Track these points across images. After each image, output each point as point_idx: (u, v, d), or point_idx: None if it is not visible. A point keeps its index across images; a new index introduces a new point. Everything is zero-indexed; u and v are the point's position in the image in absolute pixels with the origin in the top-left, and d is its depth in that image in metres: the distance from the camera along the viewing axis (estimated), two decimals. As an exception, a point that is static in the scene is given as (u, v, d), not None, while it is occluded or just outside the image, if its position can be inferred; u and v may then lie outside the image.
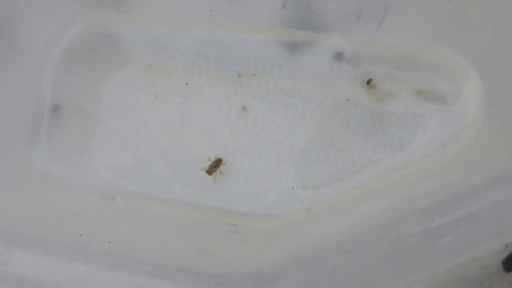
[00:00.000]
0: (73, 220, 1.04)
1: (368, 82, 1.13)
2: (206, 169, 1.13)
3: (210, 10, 1.15)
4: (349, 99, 1.13)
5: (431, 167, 1.02)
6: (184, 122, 1.18)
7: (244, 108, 1.17)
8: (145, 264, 0.89)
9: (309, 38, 1.16)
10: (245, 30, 1.17)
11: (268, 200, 1.12)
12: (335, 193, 1.08)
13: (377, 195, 1.01)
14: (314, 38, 1.15)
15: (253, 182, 1.14)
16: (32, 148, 1.19)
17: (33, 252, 0.91)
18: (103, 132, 1.20)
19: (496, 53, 1.02)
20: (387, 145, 1.10)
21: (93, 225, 1.04)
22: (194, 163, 1.16)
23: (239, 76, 1.18)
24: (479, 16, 1.01)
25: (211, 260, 0.92)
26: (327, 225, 0.98)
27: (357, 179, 1.09)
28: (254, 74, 1.17)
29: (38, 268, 0.89)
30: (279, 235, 1.02)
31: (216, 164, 1.14)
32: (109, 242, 0.92)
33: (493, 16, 1.00)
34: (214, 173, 1.14)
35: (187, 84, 1.20)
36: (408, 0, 1.05)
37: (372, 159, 1.10)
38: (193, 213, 1.13)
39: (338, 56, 1.15)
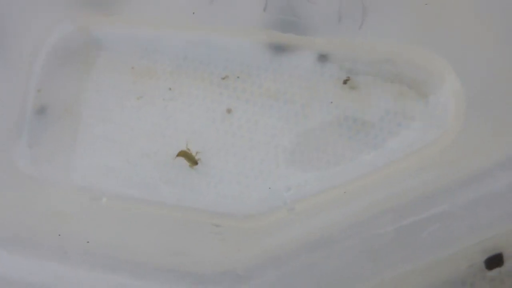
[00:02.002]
0: (57, 220, 1.05)
1: (345, 82, 1.14)
2: (190, 164, 1.14)
3: (193, 13, 1.16)
4: (331, 102, 1.14)
5: (411, 167, 1.03)
6: (170, 124, 1.20)
7: (229, 110, 1.19)
8: (126, 263, 0.90)
9: (292, 41, 1.17)
10: (229, 32, 1.19)
11: (252, 200, 1.13)
12: (317, 193, 1.09)
13: (358, 195, 1.02)
14: (297, 40, 1.16)
15: (237, 183, 1.15)
16: (17, 149, 1.19)
17: (17, 253, 0.92)
18: (89, 133, 1.21)
19: (476, 54, 1.03)
20: (369, 146, 1.11)
21: (77, 225, 1.05)
22: (179, 164, 1.17)
23: (223, 79, 1.19)
24: (457, 17, 1.03)
25: (190, 259, 0.92)
26: (308, 224, 0.99)
27: (339, 180, 1.09)
28: (238, 77, 1.19)
29: (20, 268, 0.90)
30: (260, 234, 1.03)
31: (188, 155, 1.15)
32: (87, 242, 0.93)
33: (471, 17, 1.01)
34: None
35: (170, 89, 1.21)
36: (387, 2, 1.06)
37: (354, 160, 1.11)
38: (178, 213, 1.14)
39: (321, 58, 1.16)
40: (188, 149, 1.16)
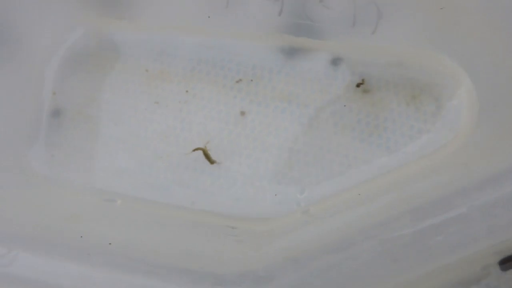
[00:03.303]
0: (74, 222, 1.06)
1: (358, 85, 1.15)
2: (209, 160, 1.16)
3: (209, 17, 1.17)
4: (344, 105, 1.15)
5: (424, 169, 1.04)
6: (184, 126, 1.21)
7: (242, 113, 1.20)
8: (144, 264, 0.91)
9: (306, 44, 1.18)
10: (243, 36, 1.20)
11: (265, 202, 1.14)
12: (331, 195, 1.10)
13: (372, 197, 1.03)
14: (311, 44, 1.18)
15: (251, 185, 1.16)
16: (34, 151, 1.21)
17: (36, 253, 0.93)
18: (103, 136, 1.22)
19: (489, 58, 1.04)
20: (382, 148, 1.12)
21: (94, 226, 1.06)
22: (194, 166, 1.18)
23: (237, 82, 1.20)
24: (471, 21, 1.04)
25: (209, 260, 0.93)
26: (323, 226, 0.99)
27: (352, 182, 1.11)
28: (252, 80, 1.20)
29: (40, 269, 0.91)
30: (276, 236, 1.04)
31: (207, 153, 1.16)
32: (110, 243, 0.93)
33: (484, 21, 1.02)
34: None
35: (187, 91, 1.22)
36: (401, 6, 1.07)
37: (367, 162, 1.12)
38: (192, 215, 1.15)
39: (334, 62, 1.17)
40: (206, 147, 1.17)
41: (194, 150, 1.17)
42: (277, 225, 1.09)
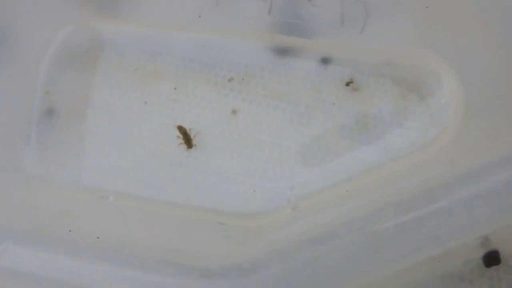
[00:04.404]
0: (65, 218, 1.07)
1: (348, 84, 1.16)
2: (187, 145, 1.18)
3: (199, 16, 1.19)
4: (334, 103, 1.16)
5: (412, 166, 1.06)
6: (176, 124, 1.22)
7: (234, 111, 1.21)
8: (134, 257, 0.92)
9: (296, 43, 1.19)
10: (235, 34, 1.21)
11: (256, 199, 1.15)
12: (321, 191, 1.11)
13: (360, 193, 1.04)
14: (301, 43, 1.19)
15: (242, 183, 1.17)
16: (26, 150, 1.22)
17: (26, 246, 0.94)
18: (96, 134, 1.23)
19: (476, 56, 1.06)
20: (371, 145, 1.13)
21: (84, 221, 1.07)
22: (186, 164, 1.19)
23: (229, 81, 1.21)
24: (458, 19, 1.05)
25: (197, 255, 0.94)
26: (311, 221, 1.01)
27: (341, 178, 1.12)
28: (243, 79, 1.21)
29: (31, 262, 0.93)
30: (265, 232, 1.05)
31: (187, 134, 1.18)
32: (98, 237, 0.95)
33: (471, 19, 1.04)
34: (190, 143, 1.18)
35: (175, 88, 1.23)
36: (388, 6, 1.08)
37: (356, 159, 1.13)
38: (184, 212, 1.16)
39: (324, 61, 1.19)
40: (190, 130, 1.18)
41: (178, 129, 1.18)
42: (267, 221, 1.10)
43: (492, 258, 0.98)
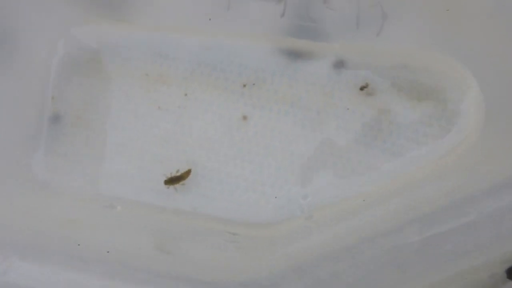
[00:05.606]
0: (72, 228, 1.04)
1: (362, 88, 1.13)
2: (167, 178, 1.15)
3: (210, 19, 1.16)
4: (348, 109, 1.13)
5: (431, 175, 1.02)
6: (185, 131, 1.19)
7: (244, 117, 1.18)
8: (142, 272, 0.89)
9: (309, 47, 1.16)
10: (245, 38, 1.18)
11: (268, 208, 1.12)
12: (335, 200, 1.08)
13: (377, 203, 1.01)
14: (314, 46, 1.15)
15: (253, 191, 1.14)
16: (32, 157, 1.19)
17: (32, 261, 0.91)
18: (103, 141, 1.21)
19: (496, 60, 1.02)
20: (387, 152, 1.10)
21: (92, 233, 1.04)
22: (194, 171, 1.16)
23: (244, 87, 1.18)
24: (478, 23, 1.02)
25: (210, 268, 0.92)
26: (327, 232, 0.98)
27: (356, 187, 1.09)
28: (254, 84, 1.18)
29: (37, 277, 0.89)
30: (278, 242, 1.02)
31: (178, 177, 1.15)
32: (108, 252, 0.92)
33: (491, 24, 1.00)
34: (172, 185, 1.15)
35: (186, 94, 1.20)
36: (406, 8, 1.05)
37: (372, 167, 1.10)
38: (193, 221, 1.14)
39: (338, 65, 1.15)
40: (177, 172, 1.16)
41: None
42: (280, 231, 1.07)
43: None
